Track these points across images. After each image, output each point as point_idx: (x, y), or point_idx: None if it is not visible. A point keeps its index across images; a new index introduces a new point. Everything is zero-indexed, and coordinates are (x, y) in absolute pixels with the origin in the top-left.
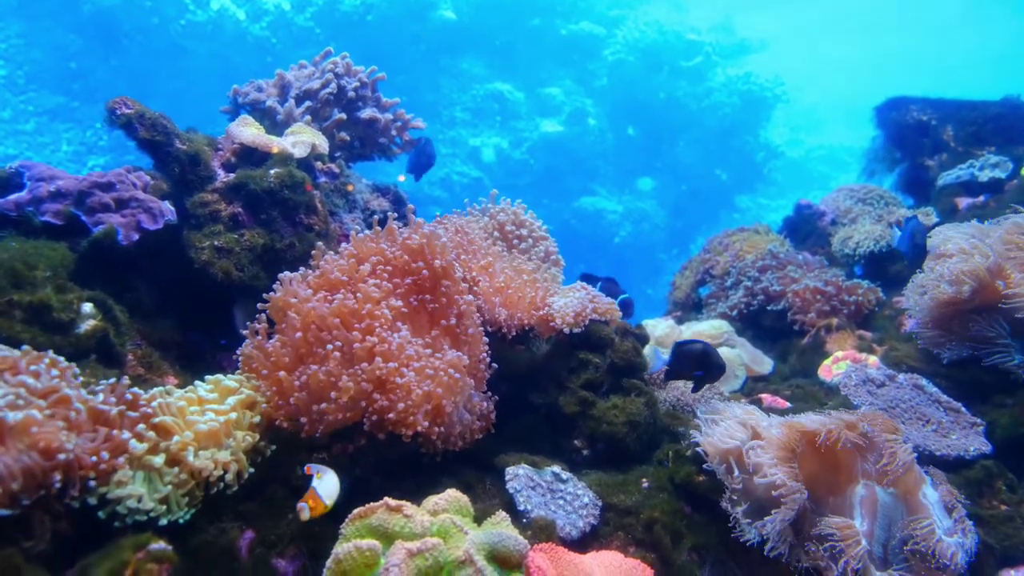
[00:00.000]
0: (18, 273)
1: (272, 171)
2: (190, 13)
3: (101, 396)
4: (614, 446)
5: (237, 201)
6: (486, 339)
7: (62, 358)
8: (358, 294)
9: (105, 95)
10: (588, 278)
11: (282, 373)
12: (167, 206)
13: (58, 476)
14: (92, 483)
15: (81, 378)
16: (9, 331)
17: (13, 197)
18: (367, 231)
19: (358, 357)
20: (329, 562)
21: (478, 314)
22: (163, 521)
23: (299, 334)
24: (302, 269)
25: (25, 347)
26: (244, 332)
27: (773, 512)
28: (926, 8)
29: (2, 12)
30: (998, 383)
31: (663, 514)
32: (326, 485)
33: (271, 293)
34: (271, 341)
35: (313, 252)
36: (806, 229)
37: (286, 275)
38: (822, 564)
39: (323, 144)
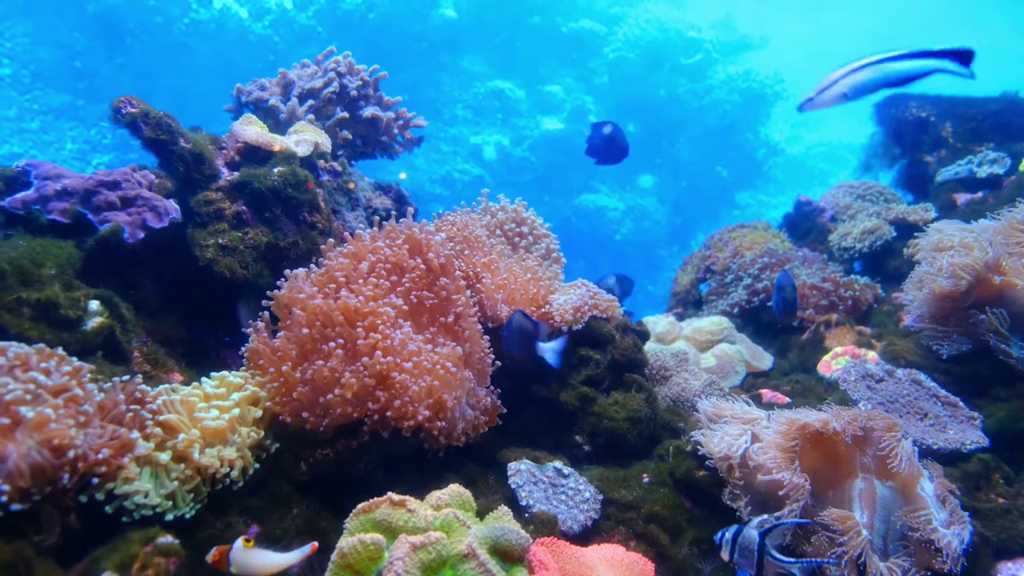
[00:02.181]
0: (26, 271)
1: (276, 169)
2: (193, 12)
3: (111, 394)
4: (615, 441)
5: (241, 199)
6: (486, 336)
7: (74, 358)
8: (360, 296)
9: (109, 94)
10: None
11: (287, 367)
12: (172, 204)
13: (67, 472)
14: (97, 480)
15: (89, 375)
16: (18, 328)
17: (20, 195)
18: (369, 229)
19: (361, 354)
20: (334, 556)
21: (477, 309)
22: (169, 516)
23: (306, 330)
24: (311, 266)
25: (40, 345)
26: (248, 329)
27: (785, 510)
28: (925, 5)
29: (8, 11)
30: (996, 377)
31: (664, 508)
32: (248, 556)
33: (276, 291)
34: (276, 337)
35: (323, 247)
36: (806, 226)
37: (299, 271)
38: (824, 555)
39: (326, 142)
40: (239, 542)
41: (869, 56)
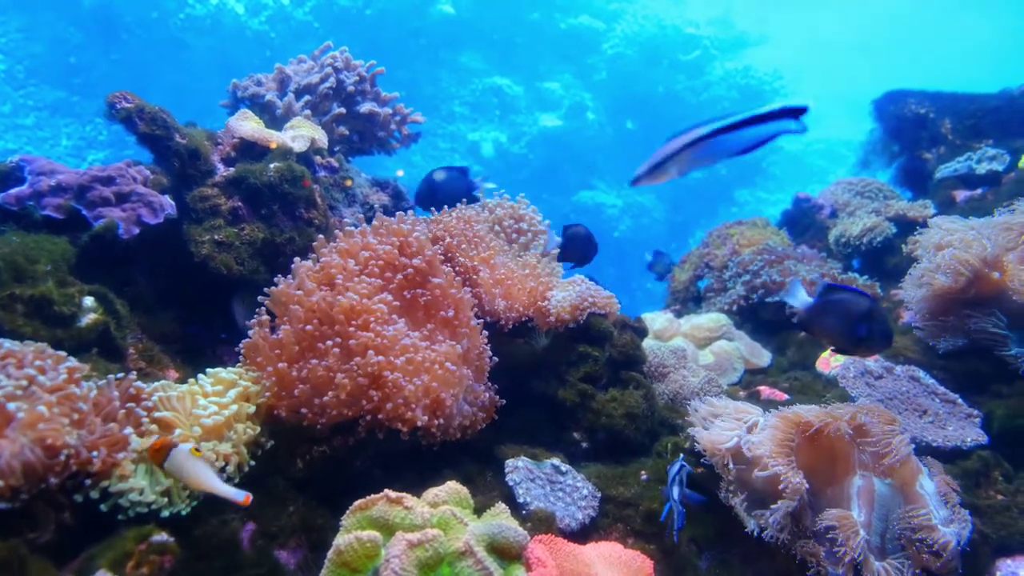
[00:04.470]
0: (19, 267)
1: (272, 165)
2: (189, 7)
3: (105, 391)
4: (613, 438)
5: (237, 195)
6: (485, 331)
7: (73, 359)
8: (356, 294)
9: (105, 89)
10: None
11: (284, 365)
12: (167, 200)
13: (60, 471)
14: (91, 478)
15: (81, 373)
16: (11, 324)
17: (14, 191)
18: (359, 226)
19: (354, 353)
20: (330, 553)
21: (475, 304)
22: (165, 513)
23: (309, 327)
24: (309, 261)
25: (40, 344)
26: (245, 324)
27: (779, 502)
28: (925, 1)
29: (2, 6)
30: (995, 373)
31: (661, 506)
32: (189, 463)
33: (273, 287)
34: (273, 333)
35: (314, 244)
36: (804, 222)
37: (305, 262)
38: (821, 555)
39: (322, 138)
40: (187, 445)
41: (702, 126)
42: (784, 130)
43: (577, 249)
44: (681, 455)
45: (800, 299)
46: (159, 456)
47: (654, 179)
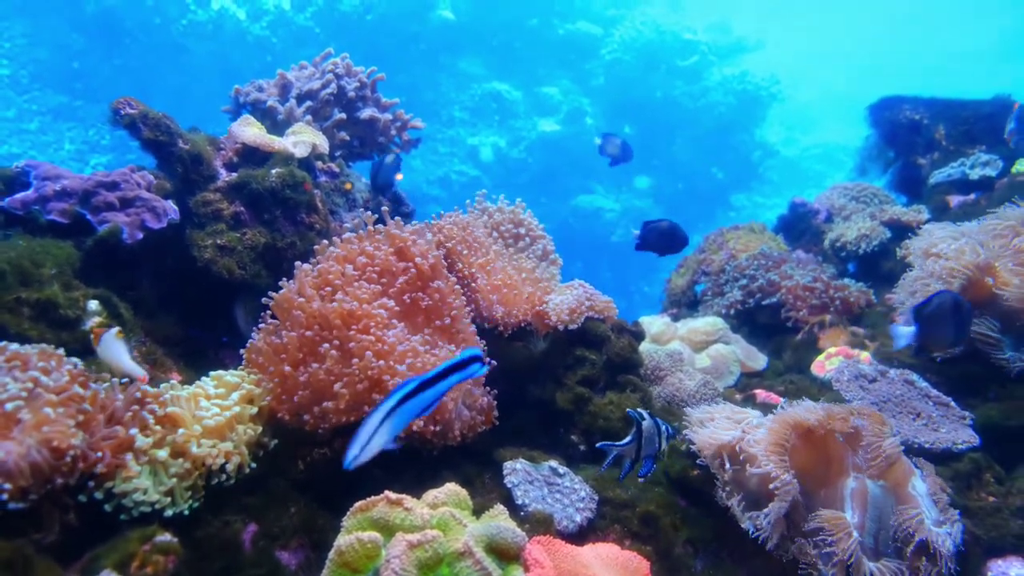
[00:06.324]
0: (25, 271)
1: (274, 171)
2: (191, 13)
3: (110, 393)
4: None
5: (239, 200)
6: (483, 335)
7: (78, 361)
8: (354, 300)
9: (108, 94)
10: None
11: (288, 368)
12: (171, 205)
13: (66, 472)
14: (95, 480)
15: (87, 376)
16: (17, 328)
17: (20, 196)
18: (355, 232)
19: (355, 356)
20: (332, 554)
21: (472, 309)
22: (168, 513)
23: (310, 332)
24: (308, 265)
25: (45, 346)
26: (247, 329)
27: (773, 503)
28: (921, 6)
29: (6, 12)
30: (988, 377)
31: (658, 507)
32: (112, 346)
33: (278, 291)
34: (275, 337)
35: (316, 248)
36: (801, 227)
37: (305, 266)
38: (814, 556)
39: (323, 144)
40: (116, 331)
41: (392, 399)
42: (472, 374)
43: (657, 241)
44: (645, 410)
45: (906, 335)
46: (96, 339)
47: (367, 455)
